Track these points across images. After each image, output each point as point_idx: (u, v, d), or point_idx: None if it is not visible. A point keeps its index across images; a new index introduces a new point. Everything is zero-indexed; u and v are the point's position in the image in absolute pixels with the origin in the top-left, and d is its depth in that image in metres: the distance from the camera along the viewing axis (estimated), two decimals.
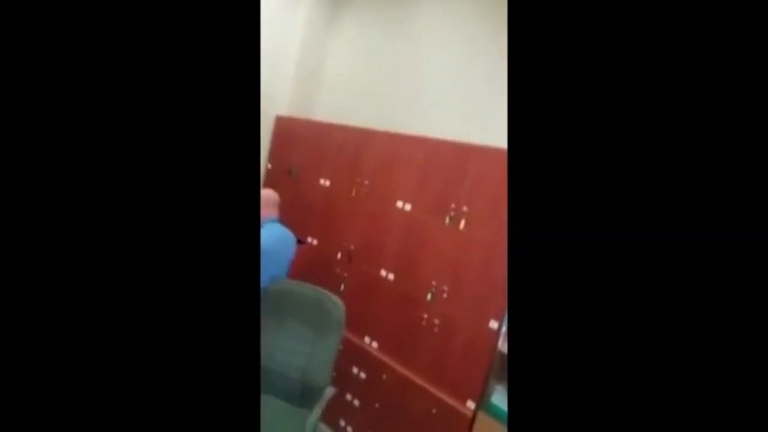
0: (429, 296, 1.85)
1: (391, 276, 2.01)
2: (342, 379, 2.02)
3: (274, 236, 1.90)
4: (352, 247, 2.19)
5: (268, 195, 1.97)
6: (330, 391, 1.69)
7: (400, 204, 1.99)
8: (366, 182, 2.14)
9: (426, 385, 1.82)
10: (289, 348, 1.79)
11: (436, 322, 1.82)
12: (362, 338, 2.09)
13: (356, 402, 2.06)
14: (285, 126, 2.72)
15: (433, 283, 1.84)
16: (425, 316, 1.86)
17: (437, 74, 2.40)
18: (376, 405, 1.98)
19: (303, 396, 1.72)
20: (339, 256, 2.24)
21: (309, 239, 2.40)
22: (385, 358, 1.98)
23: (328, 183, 2.35)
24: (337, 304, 1.76)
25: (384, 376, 1.96)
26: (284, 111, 2.83)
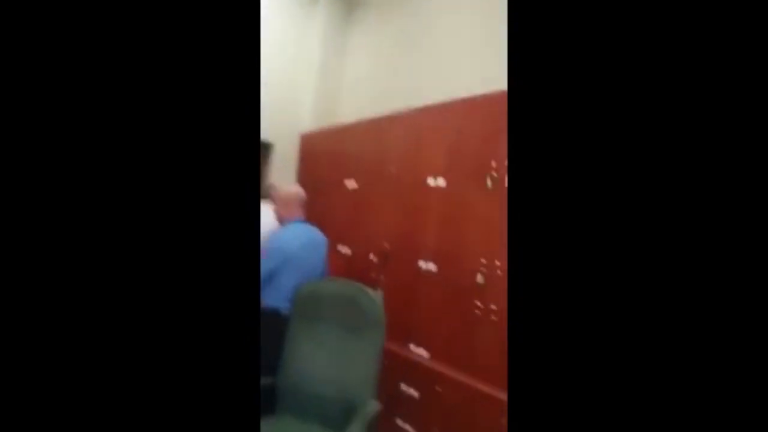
0: (480, 278, 1.52)
1: (432, 266, 1.71)
2: (389, 400, 1.65)
3: (300, 239, 1.70)
4: (386, 245, 1.94)
5: (291, 193, 1.81)
6: (373, 406, 1.34)
7: (431, 181, 1.75)
8: (392, 169, 1.94)
9: (494, 391, 1.42)
10: (321, 360, 1.49)
11: (494, 307, 1.47)
12: (407, 347, 1.75)
13: (409, 427, 1.66)
14: (309, 143, 2.66)
15: (483, 261, 1.52)
16: (479, 303, 1.51)
17: (452, 28, 2.26)
18: (435, 429, 1.57)
19: (346, 418, 1.37)
20: (373, 258, 1.99)
21: (341, 249, 2.18)
22: (438, 367, 1.61)
23: (354, 183, 2.18)
24: (372, 299, 1.48)
25: (439, 390, 1.57)
26: (308, 126, 2.79)
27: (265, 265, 1.61)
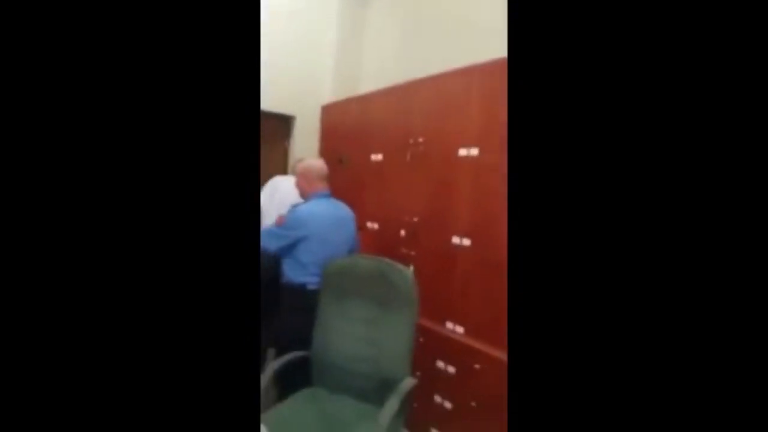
0: None
1: (466, 242, 1.64)
2: (426, 377, 1.64)
3: (323, 213, 1.65)
4: (415, 220, 1.87)
5: (310, 167, 1.74)
6: (409, 382, 1.33)
7: (463, 152, 1.65)
8: (420, 139, 1.84)
9: None
10: (353, 336, 1.48)
11: None
12: (443, 324, 1.71)
13: (447, 404, 1.65)
14: (331, 113, 2.57)
15: None
16: None
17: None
18: (473, 404, 1.55)
19: (380, 392, 1.37)
20: (403, 233, 1.93)
21: (369, 224, 2.13)
22: (474, 344, 1.57)
23: (380, 157, 2.09)
24: (404, 275, 1.44)
25: (477, 366, 1.54)
26: (329, 98, 2.69)
27: (283, 236, 1.59)
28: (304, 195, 1.74)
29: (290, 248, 1.60)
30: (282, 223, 1.64)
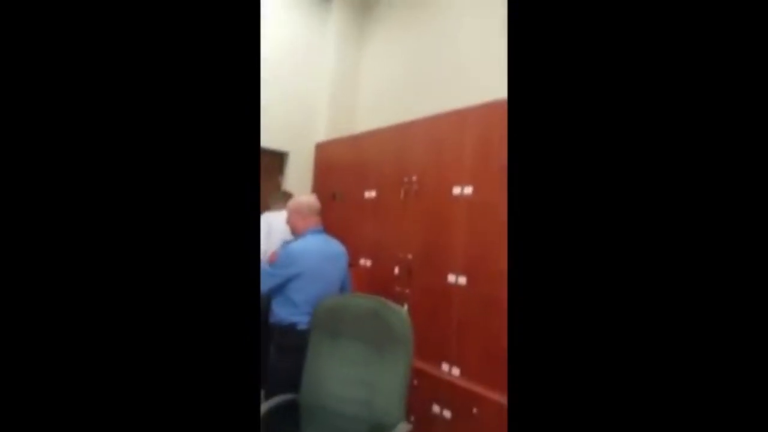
0: None
1: (462, 280, 1.63)
2: (421, 422, 1.57)
3: (315, 250, 1.63)
4: (410, 257, 1.86)
5: (302, 203, 1.72)
6: (403, 428, 1.26)
7: (457, 190, 1.67)
8: (414, 178, 1.87)
9: None
10: (345, 377, 1.42)
11: None
12: (438, 366, 1.66)
13: None
14: (325, 151, 2.62)
15: None
16: None
17: (470, 35, 2.17)
18: None
19: None
20: (396, 271, 1.91)
21: (361, 261, 2.11)
22: (472, 386, 1.52)
23: (373, 194, 2.11)
24: (398, 313, 1.40)
25: (475, 410, 1.48)
26: (324, 136, 2.74)
27: (277, 275, 1.55)
28: (296, 231, 1.72)
29: (281, 286, 1.56)
30: (274, 259, 1.61)
